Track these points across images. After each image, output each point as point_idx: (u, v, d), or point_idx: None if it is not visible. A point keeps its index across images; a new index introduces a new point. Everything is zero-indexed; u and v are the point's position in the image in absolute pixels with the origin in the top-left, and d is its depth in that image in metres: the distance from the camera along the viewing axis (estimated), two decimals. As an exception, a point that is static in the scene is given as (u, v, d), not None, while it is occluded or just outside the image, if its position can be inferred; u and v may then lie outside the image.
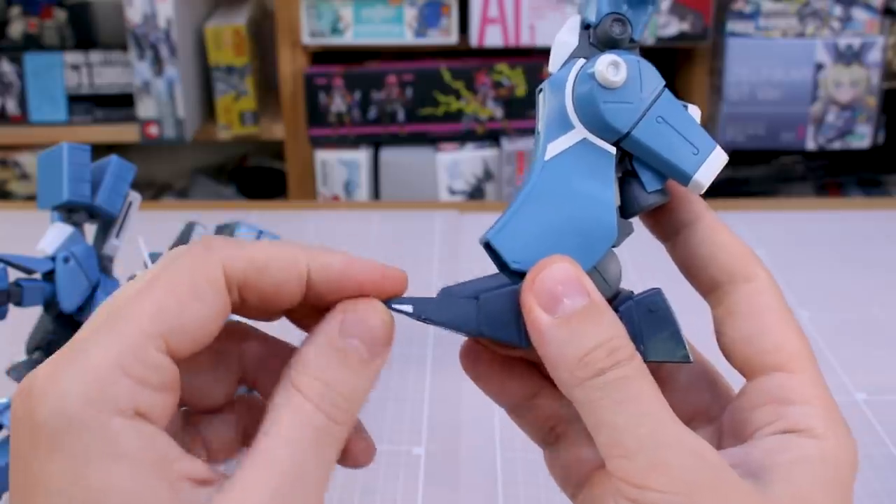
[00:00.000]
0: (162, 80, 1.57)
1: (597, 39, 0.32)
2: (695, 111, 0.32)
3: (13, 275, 0.48)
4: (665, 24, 1.52)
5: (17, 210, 0.97)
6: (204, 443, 0.32)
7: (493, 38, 1.52)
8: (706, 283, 0.33)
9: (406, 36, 1.55)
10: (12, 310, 0.48)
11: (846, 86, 1.53)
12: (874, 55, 1.52)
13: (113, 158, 0.51)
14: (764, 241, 0.80)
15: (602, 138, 0.31)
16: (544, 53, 1.71)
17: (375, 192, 1.60)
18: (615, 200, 0.32)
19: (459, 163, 1.58)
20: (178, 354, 0.27)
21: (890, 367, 0.63)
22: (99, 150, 0.51)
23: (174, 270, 0.28)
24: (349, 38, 1.55)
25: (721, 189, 1.77)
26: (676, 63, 1.68)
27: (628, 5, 0.32)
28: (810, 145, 1.57)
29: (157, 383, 0.26)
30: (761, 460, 0.29)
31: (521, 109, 1.58)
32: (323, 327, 0.29)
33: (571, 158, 0.31)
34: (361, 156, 1.58)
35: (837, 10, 1.52)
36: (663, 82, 0.31)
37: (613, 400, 0.28)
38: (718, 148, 0.31)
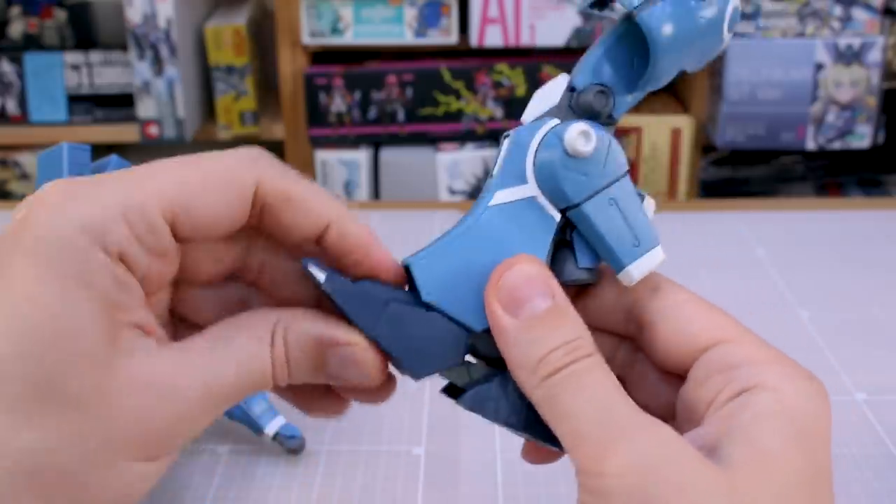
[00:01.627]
0: (162, 80, 1.57)
1: (577, 105, 0.32)
2: (650, 204, 0.32)
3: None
4: (665, 24, 1.52)
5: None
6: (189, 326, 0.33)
7: (493, 38, 1.52)
8: (622, 323, 0.33)
9: (406, 36, 1.55)
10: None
11: (846, 86, 1.53)
12: (874, 55, 1.52)
13: (113, 158, 0.51)
14: (764, 241, 0.80)
15: (551, 202, 0.31)
16: (544, 53, 1.71)
17: (375, 192, 1.60)
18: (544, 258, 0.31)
19: (459, 163, 1.58)
20: (180, 232, 0.29)
21: (890, 367, 0.63)
22: (99, 150, 0.51)
23: (210, 162, 0.29)
24: (349, 38, 1.55)
25: (721, 189, 1.77)
26: (676, 63, 1.68)
27: (618, 83, 0.32)
28: (810, 145, 1.57)
29: (151, 244, 0.28)
30: (720, 430, 0.28)
31: (521, 109, 1.56)
32: (332, 327, 0.30)
33: (515, 212, 0.31)
34: (361, 156, 1.58)
35: (837, 10, 1.52)
36: (626, 168, 0.31)
37: (569, 392, 0.28)
38: (659, 248, 0.31)
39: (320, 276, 0.30)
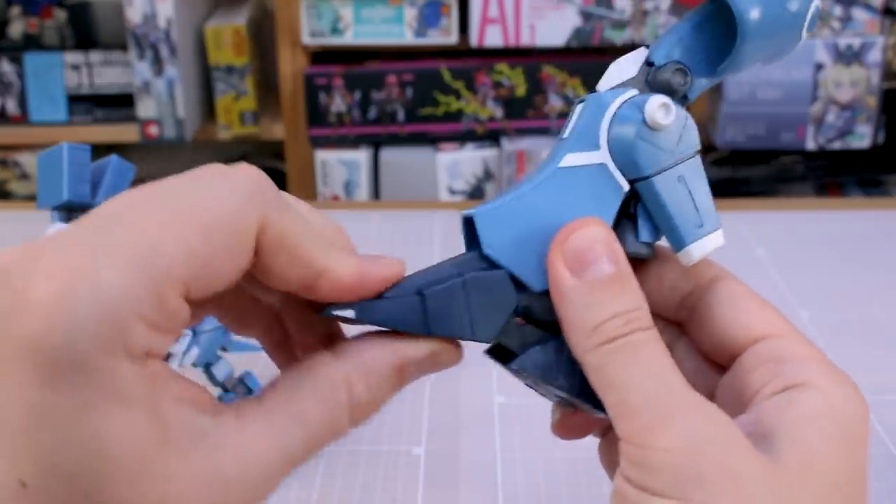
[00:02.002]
0: (162, 80, 1.57)
1: (655, 80, 0.31)
2: None
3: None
4: (665, 24, 1.52)
5: (17, 210, 0.97)
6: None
7: (493, 38, 1.52)
8: (673, 307, 0.33)
9: (406, 36, 1.55)
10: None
11: (846, 86, 1.53)
12: (874, 55, 1.52)
13: (113, 158, 0.51)
14: (764, 241, 0.80)
15: (621, 171, 0.31)
16: (544, 53, 1.71)
17: (375, 192, 1.60)
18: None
19: (459, 163, 1.58)
20: (193, 299, 0.26)
21: (890, 367, 0.63)
22: (99, 150, 0.51)
23: (208, 209, 0.26)
24: (349, 38, 1.55)
25: (721, 189, 1.77)
26: (676, 63, 1.68)
27: (697, 65, 0.32)
28: (810, 145, 1.57)
29: (168, 327, 0.25)
30: (767, 423, 0.28)
31: (521, 109, 1.58)
32: (404, 346, 0.29)
33: (584, 176, 0.31)
34: (361, 156, 1.58)
35: (837, 10, 1.52)
36: (699, 148, 0.31)
37: (622, 363, 0.28)
38: (720, 231, 0.31)
39: (349, 313, 0.29)
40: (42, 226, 0.50)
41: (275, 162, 1.81)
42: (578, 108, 0.32)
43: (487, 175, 1.59)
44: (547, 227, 0.30)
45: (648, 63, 0.32)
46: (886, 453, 0.55)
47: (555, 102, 1.57)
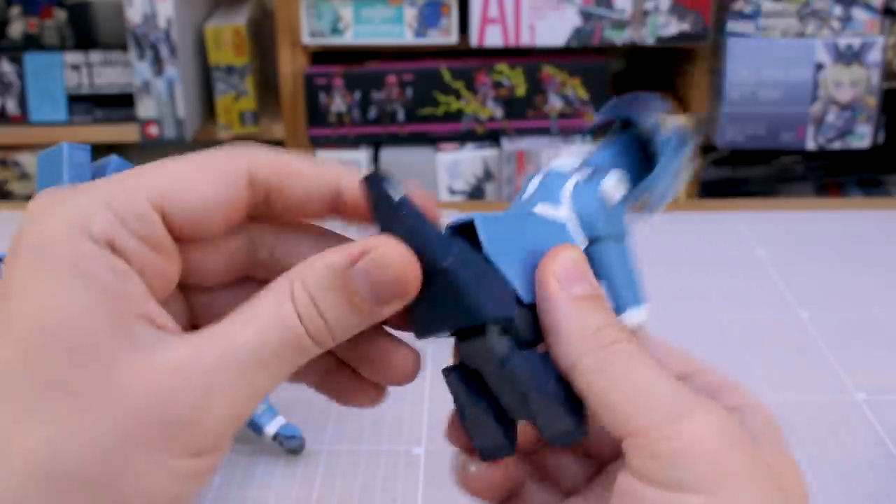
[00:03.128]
0: (162, 80, 1.57)
1: (617, 170, 0.35)
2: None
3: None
4: (665, 24, 1.52)
5: (18, 210, 0.97)
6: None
7: (493, 38, 1.52)
8: None
9: (406, 36, 1.55)
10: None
11: (846, 86, 1.53)
12: (874, 55, 1.52)
13: (113, 158, 0.51)
14: (764, 241, 0.80)
15: (581, 229, 0.33)
16: (544, 53, 1.71)
17: (375, 192, 1.60)
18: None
19: (459, 163, 1.58)
20: (175, 227, 0.28)
21: (890, 367, 0.63)
22: (99, 150, 0.51)
23: (196, 156, 0.29)
24: (349, 38, 1.55)
25: (721, 189, 1.76)
26: (676, 63, 1.68)
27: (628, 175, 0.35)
28: (810, 145, 1.57)
29: (142, 232, 0.27)
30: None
31: (521, 109, 1.58)
32: (345, 248, 0.28)
33: (552, 227, 0.33)
34: (361, 156, 1.58)
35: (837, 10, 1.52)
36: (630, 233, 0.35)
37: (628, 362, 0.29)
38: (645, 307, 0.33)
39: (397, 190, 0.29)
40: (42, 226, 0.50)
41: (275, 162, 1.81)
42: (537, 178, 0.35)
43: (487, 175, 1.59)
44: (534, 246, 0.31)
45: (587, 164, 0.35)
46: (886, 453, 0.54)
47: (555, 102, 1.57)
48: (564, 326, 0.29)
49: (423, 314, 0.31)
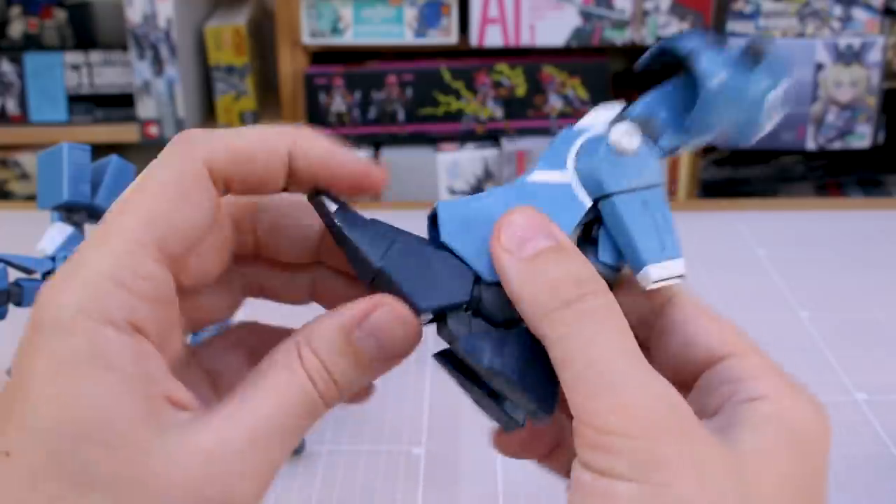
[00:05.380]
0: (162, 80, 1.57)
1: (632, 121, 0.33)
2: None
3: (13, 275, 0.48)
4: (665, 24, 1.52)
5: (17, 210, 0.97)
6: (211, 375, 0.32)
7: (493, 38, 1.52)
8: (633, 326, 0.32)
9: (406, 36, 1.55)
10: (12, 310, 0.48)
11: (846, 86, 1.53)
12: (874, 55, 1.52)
13: (113, 158, 0.51)
14: (764, 241, 0.80)
15: (586, 189, 0.31)
16: (544, 53, 1.70)
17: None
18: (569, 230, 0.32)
19: (459, 163, 1.58)
20: (173, 258, 0.28)
21: (890, 367, 0.63)
22: (99, 150, 0.51)
23: (159, 174, 0.28)
24: (349, 38, 1.55)
25: (721, 189, 1.76)
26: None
27: (667, 124, 0.33)
28: (810, 145, 1.57)
29: (152, 295, 0.27)
30: (725, 422, 0.28)
31: (521, 109, 1.58)
32: (348, 310, 0.29)
33: (548, 191, 0.31)
34: (361, 156, 1.58)
35: (837, 10, 1.52)
36: (662, 182, 0.32)
37: (582, 336, 0.27)
38: (682, 260, 0.31)
39: (332, 206, 0.30)
40: (42, 226, 0.50)
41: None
42: (550, 141, 0.33)
43: (487, 175, 1.59)
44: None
45: (622, 114, 0.33)
46: (886, 453, 0.55)
47: (555, 102, 1.57)
48: (515, 292, 0.29)
49: None
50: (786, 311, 0.69)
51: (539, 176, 0.32)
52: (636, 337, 0.31)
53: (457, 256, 0.30)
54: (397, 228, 0.31)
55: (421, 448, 0.55)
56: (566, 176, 0.32)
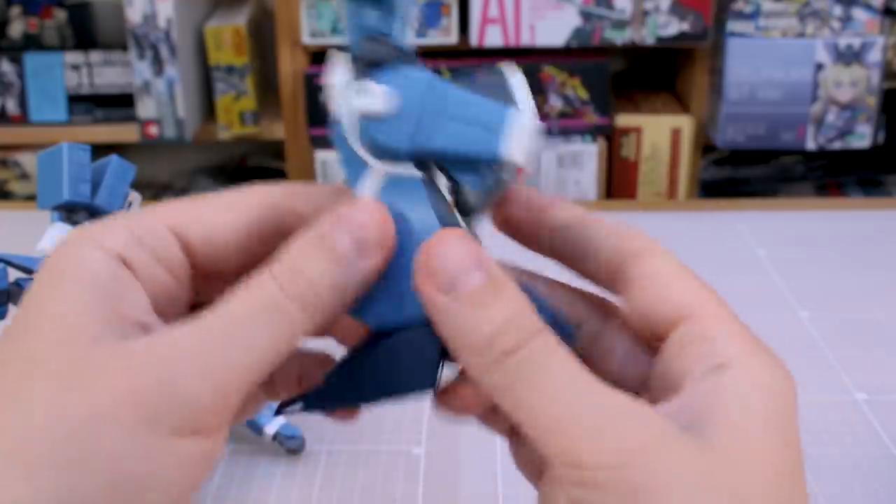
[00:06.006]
0: (162, 80, 1.57)
1: (364, 67, 0.29)
2: (509, 70, 0.29)
3: (13, 275, 0.48)
4: (665, 24, 1.52)
5: (17, 210, 0.97)
6: None
7: (493, 38, 1.52)
8: (602, 273, 0.32)
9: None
10: (12, 310, 0.48)
11: (846, 86, 1.53)
12: (874, 55, 1.52)
13: (113, 158, 0.51)
14: (764, 241, 0.80)
15: (400, 164, 0.29)
16: (544, 53, 1.70)
17: (375, 192, 1.60)
18: (436, 222, 0.29)
19: (459, 163, 1.58)
20: (197, 258, 0.29)
21: (890, 367, 0.63)
22: (99, 150, 0.51)
23: (219, 194, 0.30)
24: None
25: (721, 189, 1.76)
26: (676, 63, 1.68)
27: (375, 19, 0.29)
28: (810, 145, 1.57)
29: (156, 250, 0.28)
30: (697, 407, 0.27)
31: (521, 109, 1.57)
32: (316, 222, 0.28)
33: (387, 196, 0.29)
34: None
35: (837, 10, 1.52)
36: (427, 76, 0.29)
37: (532, 380, 0.26)
38: (514, 110, 0.28)
39: (296, 408, 0.31)
40: (42, 226, 0.50)
41: (275, 162, 1.81)
42: (337, 147, 0.31)
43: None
44: (405, 262, 0.29)
45: (354, 59, 0.30)
46: (886, 453, 0.54)
47: (555, 102, 1.57)
48: (455, 339, 0.27)
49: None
50: (786, 311, 0.69)
51: (367, 190, 0.30)
52: (611, 287, 0.31)
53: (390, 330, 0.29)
54: (342, 357, 0.30)
55: (421, 448, 0.55)
56: (379, 170, 0.29)
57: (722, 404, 0.27)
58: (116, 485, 0.25)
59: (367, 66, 0.29)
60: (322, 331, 0.31)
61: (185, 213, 0.29)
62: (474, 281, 0.27)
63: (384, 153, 0.29)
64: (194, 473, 0.26)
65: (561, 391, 0.26)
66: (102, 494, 0.24)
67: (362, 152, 0.30)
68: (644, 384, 0.31)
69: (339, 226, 0.28)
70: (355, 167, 0.30)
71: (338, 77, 0.30)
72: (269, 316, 0.27)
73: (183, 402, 0.25)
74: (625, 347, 0.32)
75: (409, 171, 0.29)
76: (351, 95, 0.29)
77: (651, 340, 0.30)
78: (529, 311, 0.27)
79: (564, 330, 0.29)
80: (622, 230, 0.31)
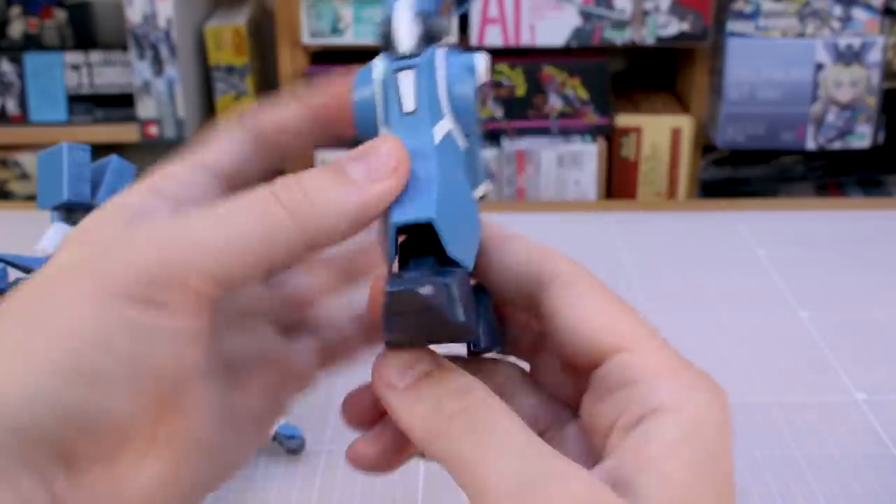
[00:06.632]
0: (162, 80, 1.57)
1: (431, 28, 0.31)
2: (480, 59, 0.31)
3: (13, 275, 0.48)
4: (665, 24, 1.52)
5: (17, 210, 0.97)
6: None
7: (493, 38, 1.52)
8: (520, 298, 0.31)
9: (406, 36, 1.55)
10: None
11: (846, 86, 1.53)
12: (874, 55, 1.52)
13: (113, 158, 0.51)
14: (764, 241, 0.80)
15: (461, 132, 0.30)
16: (544, 53, 1.70)
17: (375, 192, 1.60)
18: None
19: (459, 163, 1.58)
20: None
21: (890, 367, 0.63)
22: (99, 150, 0.51)
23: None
24: (349, 38, 1.55)
25: (721, 189, 1.76)
26: (676, 63, 1.68)
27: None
28: (810, 145, 1.57)
29: (190, 189, 0.31)
30: (627, 467, 0.26)
31: (521, 109, 1.57)
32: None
33: (446, 148, 0.29)
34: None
35: (837, 10, 1.52)
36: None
37: (471, 440, 0.26)
38: (478, 55, 0.30)
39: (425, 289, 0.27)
40: (42, 226, 0.50)
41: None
42: (407, 79, 0.31)
43: (488, 175, 1.59)
44: (462, 212, 0.29)
45: (419, 14, 0.31)
46: (886, 453, 0.54)
47: (555, 102, 1.57)
48: (402, 424, 0.28)
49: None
50: (786, 311, 0.69)
51: (438, 132, 0.29)
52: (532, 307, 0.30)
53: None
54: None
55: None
56: (448, 124, 0.30)
57: (650, 461, 0.26)
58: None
59: (434, 32, 0.32)
60: (325, 243, 0.28)
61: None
62: (419, 370, 0.28)
63: (466, 116, 0.30)
64: (176, 351, 0.25)
65: (500, 455, 0.26)
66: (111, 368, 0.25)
67: (444, 102, 0.30)
68: (577, 403, 0.30)
69: (352, 157, 0.28)
70: (428, 108, 0.30)
71: (414, 23, 0.32)
72: (267, 231, 0.26)
73: (139, 274, 0.25)
74: (556, 378, 0.31)
75: (463, 140, 0.30)
76: (475, 58, 0.30)
77: (581, 371, 0.29)
78: (479, 384, 0.28)
79: (495, 340, 0.30)
80: (539, 253, 0.30)
